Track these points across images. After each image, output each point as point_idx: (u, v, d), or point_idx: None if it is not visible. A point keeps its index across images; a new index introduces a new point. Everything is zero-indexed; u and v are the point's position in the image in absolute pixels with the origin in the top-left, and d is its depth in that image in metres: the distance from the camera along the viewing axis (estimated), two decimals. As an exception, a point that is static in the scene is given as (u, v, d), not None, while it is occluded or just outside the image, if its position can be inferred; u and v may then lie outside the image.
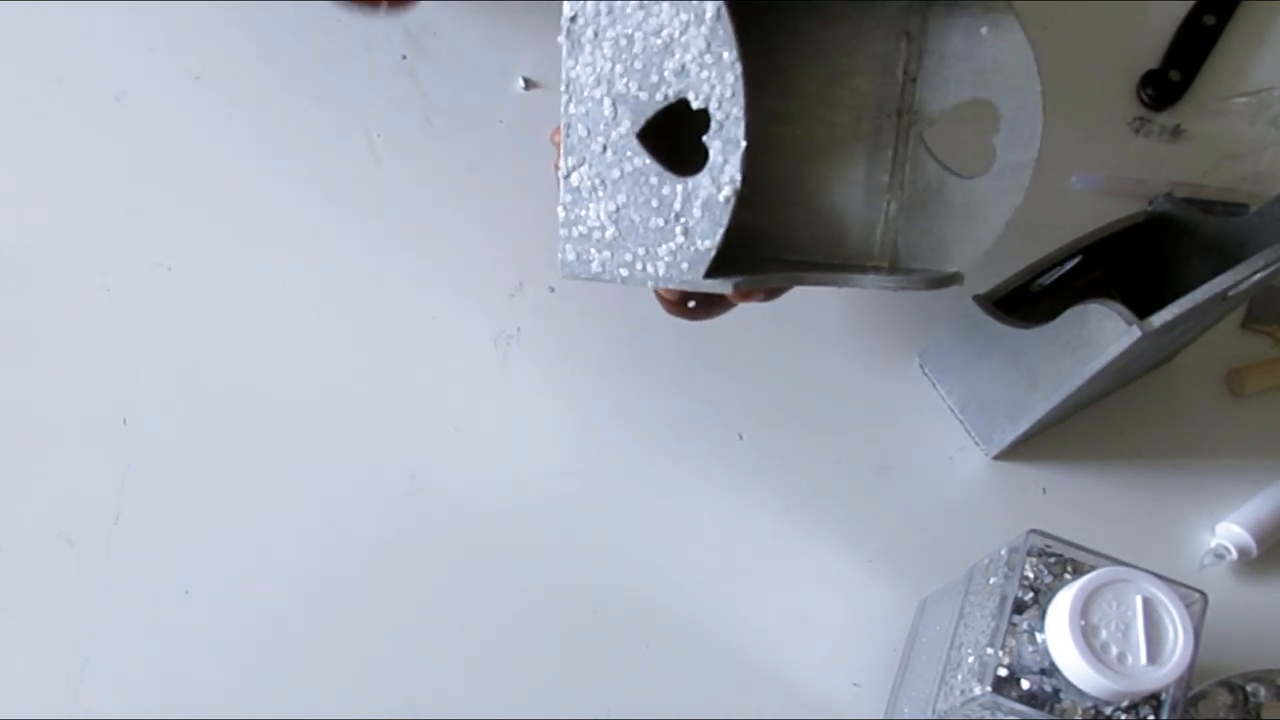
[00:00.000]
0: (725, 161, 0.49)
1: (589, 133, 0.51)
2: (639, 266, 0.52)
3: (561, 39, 0.49)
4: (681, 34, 0.47)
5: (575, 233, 0.52)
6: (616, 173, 0.51)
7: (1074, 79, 0.75)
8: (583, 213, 0.52)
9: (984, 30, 0.49)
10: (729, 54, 0.47)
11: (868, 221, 0.54)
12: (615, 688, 0.58)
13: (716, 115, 0.48)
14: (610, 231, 0.52)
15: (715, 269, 0.51)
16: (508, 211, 0.68)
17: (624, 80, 0.49)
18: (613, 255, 0.52)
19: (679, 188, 0.50)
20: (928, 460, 0.64)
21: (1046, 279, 0.62)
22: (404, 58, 0.71)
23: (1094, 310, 0.54)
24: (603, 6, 0.48)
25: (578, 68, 0.50)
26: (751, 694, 0.59)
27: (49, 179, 0.67)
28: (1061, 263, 0.62)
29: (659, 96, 0.49)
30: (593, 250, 0.52)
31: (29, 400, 0.62)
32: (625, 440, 0.63)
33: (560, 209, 0.52)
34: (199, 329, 0.64)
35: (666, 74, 0.48)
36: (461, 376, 0.64)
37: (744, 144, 0.48)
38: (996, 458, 0.64)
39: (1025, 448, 0.64)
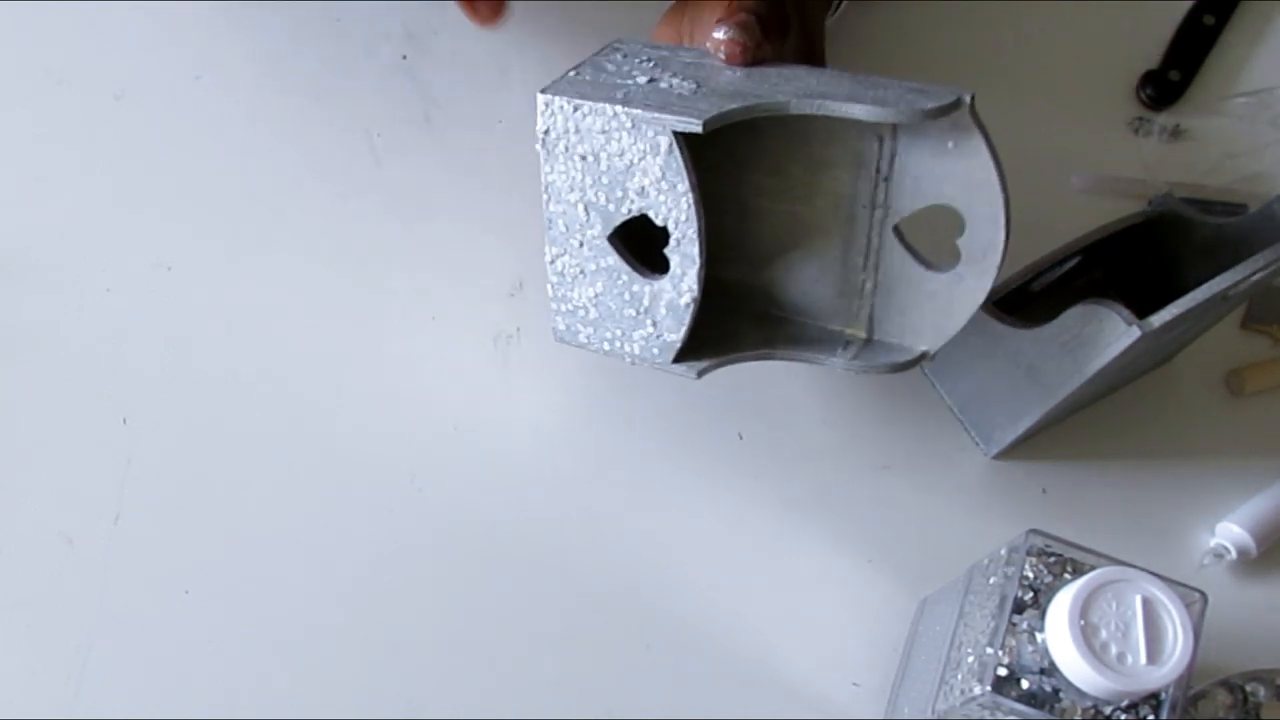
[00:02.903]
0: (684, 274, 0.52)
1: (567, 229, 0.54)
2: (618, 345, 0.56)
3: (538, 148, 0.52)
4: (640, 160, 0.50)
5: (564, 308, 0.57)
6: (593, 266, 0.54)
7: (1074, 79, 0.75)
8: (569, 293, 0.56)
9: (950, 144, 0.50)
10: (682, 184, 0.50)
11: (846, 294, 0.56)
12: (615, 688, 0.58)
13: (674, 234, 0.51)
14: (593, 313, 0.56)
15: (686, 351, 0.54)
16: (508, 211, 0.68)
17: (594, 190, 0.52)
18: (595, 331, 0.56)
19: (646, 288, 0.53)
20: (928, 460, 0.64)
21: (1046, 279, 0.62)
22: (404, 58, 0.71)
23: (1094, 310, 0.54)
24: (570, 125, 0.51)
25: (553, 174, 0.53)
26: (751, 694, 0.59)
27: (49, 179, 0.67)
28: (1061, 263, 0.62)
29: (624, 210, 0.52)
30: (579, 325, 0.57)
31: (29, 400, 0.62)
32: (625, 440, 0.63)
33: (549, 287, 0.56)
34: (199, 329, 0.64)
35: (630, 192, 0.51)
36: (461, 376, 0.64)
37: (699, 261, 0.51)
38: (996, 458, 0.64)
39: (1025, 448, 0.64)
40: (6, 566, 0.58)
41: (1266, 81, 0.75)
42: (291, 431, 0.62)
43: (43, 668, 0.57)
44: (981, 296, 0.52)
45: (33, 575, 0.58)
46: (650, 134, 0.49)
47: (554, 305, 0.57)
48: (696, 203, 0.50)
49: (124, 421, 0.62)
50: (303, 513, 0.60)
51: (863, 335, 0.57)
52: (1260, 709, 0.57)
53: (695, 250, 0.51)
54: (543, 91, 0.51)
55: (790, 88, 0.50)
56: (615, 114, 0.50)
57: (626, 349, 0.56)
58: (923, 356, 0.55)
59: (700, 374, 0.55)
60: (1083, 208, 0.70)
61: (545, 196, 0.54)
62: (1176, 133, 0.74)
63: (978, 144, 0.49)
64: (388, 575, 0.60)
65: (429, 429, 0.63)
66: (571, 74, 0.53)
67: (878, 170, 0.53)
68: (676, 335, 0.54)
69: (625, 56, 0.54)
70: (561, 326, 0.57)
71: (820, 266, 0.57)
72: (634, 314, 0.55)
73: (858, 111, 0.48)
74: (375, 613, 0.59)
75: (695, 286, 0.52)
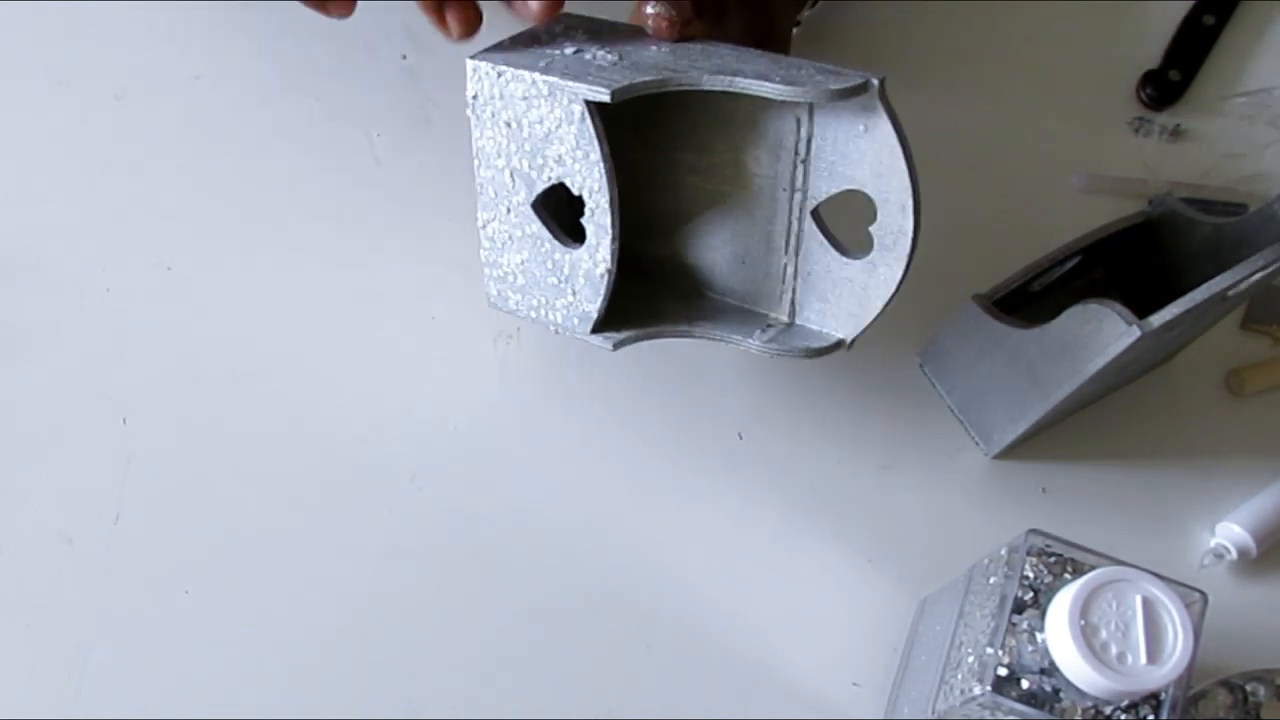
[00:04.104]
0: (598, 244, 0.52)
1: (496, 195, 0.54)
2: (543, 312, 0.57)
3: (468, 113, 0.53)
4: (557, 128, 0.51)
5: (495, 273, 0.57)
6: (519, 233, 0.55)
7: (1074, 79, 0.76)
8: (500, 259, 0.56)
9: (862, 128, 0.49)
10: (595, 154, 0.50)
11: (770, 276, 0.56)
12: (615, 688, 0.58)
13: (589, 204, 0.51)
14: (520, 279, 0.56)
15: (605, 322, 0.55)
16: (508, 211, 0.68)
17: (518, 157, 0.53)
18: (524, 298, 0.57)
19: (566, 257, 0.54)
20: (928, 460, 0.64)
21: (1046, 279, 0.62)
22: (404, 58, 0.71)
23: (1094, 310, 0.54)
24: (495, 91, 0.51)
25: (482, 139, 0.53)
26: (751, 694, 0.59)
27: (49, 179, 0.67)
28: (1061, 263, 0.62)
29: (544, 177, 0.52)
30: (509, 291, 0.57)
31: (29, 400, 0.62)
32: (625, 440, 0.63)
33: (481, 251, 0.57)
34: (199, 329, 0.64)
35: (549, 159, 0.52)
36: (461, 376, 0.64)
37: (612, 232, 0.51)
38: (996, 458, 0.64)
39: (1025, 448, 0.64)
40: (6, 566, 0.58)
41: (1266, 81, 0.75)
42: (291, 431, 0.62)
43: (43, 668, 0.57)
44: (893, 286, 0.52)
45: (33, 575, 0.58)
46: (565, 101, 0.49)
47: (486, 270, 0.57)
48: (609, 173, 0.50)
49: (124, 421, 0.62)
50: (303, 512, 0.61)
51: (785, 319, 0.56)
52: (1260, 709, 0.57)
53: (608, 221, 0.51)
54: (472, 57, 0.52)
55: (708, 64, 0.50)
56: (534, 81, 0.50)
57: (550, 317, 0.56)
58: (839, 345, 0.55)
59: (616, 346, 0.55)
60: (1083, 208, 0.70)
61: (476, 162, 0.54)
62: (1176, 133, 0.74)
63: (886, 129, 0.48)
64: (388, 575, 0.60)
65: (429, 429, 0.63)
66: (506, 42, 0.53)
67: (796, 153, 0.53)
68: (594, 305, 0.54)
69: (565, 29, 0.54)
70: (493, 292, 0.58)
71: (746, 247, 0.57)
72: (556, 282, 0.55)
73: (766, 90, 0.48)
74: (375, 612, 0.59)
75: (609, 258, 0.52)
